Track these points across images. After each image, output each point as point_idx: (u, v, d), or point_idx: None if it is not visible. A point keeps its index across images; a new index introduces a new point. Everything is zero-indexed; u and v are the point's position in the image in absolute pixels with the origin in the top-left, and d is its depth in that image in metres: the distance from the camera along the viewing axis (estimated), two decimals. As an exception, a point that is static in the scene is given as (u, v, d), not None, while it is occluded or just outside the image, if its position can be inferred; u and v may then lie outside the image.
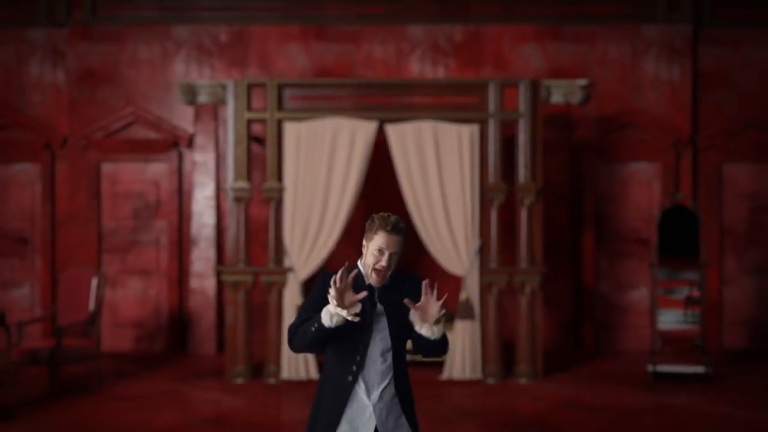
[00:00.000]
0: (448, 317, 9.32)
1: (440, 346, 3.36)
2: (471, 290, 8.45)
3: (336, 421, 3.35)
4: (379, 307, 3.37)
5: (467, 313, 8.41)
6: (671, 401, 7.61)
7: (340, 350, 3.37)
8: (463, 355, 8.44)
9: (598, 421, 6.95)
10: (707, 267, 9.94)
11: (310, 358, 8.40)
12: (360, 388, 3.36)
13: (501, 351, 8.52)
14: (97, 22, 10.31)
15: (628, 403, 7.53)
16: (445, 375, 8.46)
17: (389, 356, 3.39)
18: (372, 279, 3.36)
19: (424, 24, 10.32)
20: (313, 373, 8.37)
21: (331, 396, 3.37)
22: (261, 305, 8.93)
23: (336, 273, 3.22)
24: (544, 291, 9.47)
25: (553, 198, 10.10)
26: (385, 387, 3.38)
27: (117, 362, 9.37)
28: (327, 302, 3.26)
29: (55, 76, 10.46)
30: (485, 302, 8.49)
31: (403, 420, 3.41)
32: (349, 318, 3.20)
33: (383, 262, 3.31)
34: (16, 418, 7.01)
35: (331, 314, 3.22)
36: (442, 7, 10.32)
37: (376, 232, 3.33)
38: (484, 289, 8.49)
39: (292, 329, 3.39)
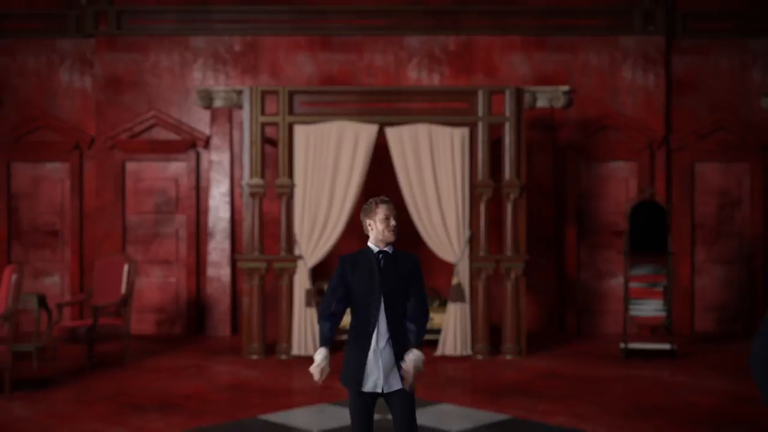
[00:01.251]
0: (441, 301, 10.31)
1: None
2: (462, 276, 9.41)
3: (361, 363, 4.26)
4: (383, 274, 4.29)
5: (458, 296, 9.38)
6: (638, 372, 8.59)
7: (361, 309, 4.28)
8: (455, 334, 9.40)
9: (572, 387, 7.92)
10: (679, 257, 10.98)
11: (318, 336, 9.36)
12: (376, 338, 4.27)
13: (489, 331, 9.49)
14: (121, 33, 11.28)
15: (600, 374, 8.51)
16: (439, 352, 9.42)
17: (390, 312, 4.32)
18: (388, 239, 4.27)
19: (420, 35, 11.29)
20: (321, 350, 9.33)
21: (356, 343, 4.27)
22: (273, 290, 9.91)
23: (350, 256, 4.33)
24: (531, 279, 10.46)
25: (539, 194, 11.07)
26: (389, 336, 4.32)
27: (142, 343, 10.33)
28: (343, 281, 4.26)
29: (83, 82, 11.43)
30: (474, 287, 9.46)
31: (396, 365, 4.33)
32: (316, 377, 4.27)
33: (393, 222, 4.28)
34: (60, 386, 7.96)
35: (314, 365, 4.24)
36: (437, 20, 11.29)
37: (377, 207, 4.29)
38: (474, 275, 9.46)
39: (322, 309, 4.37)
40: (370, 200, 4.37)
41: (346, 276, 4.31)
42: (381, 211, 4.28)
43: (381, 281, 4.28)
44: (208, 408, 7.14)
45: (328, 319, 4.31)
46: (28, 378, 8.13)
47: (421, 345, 4.31)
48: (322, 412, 6.98)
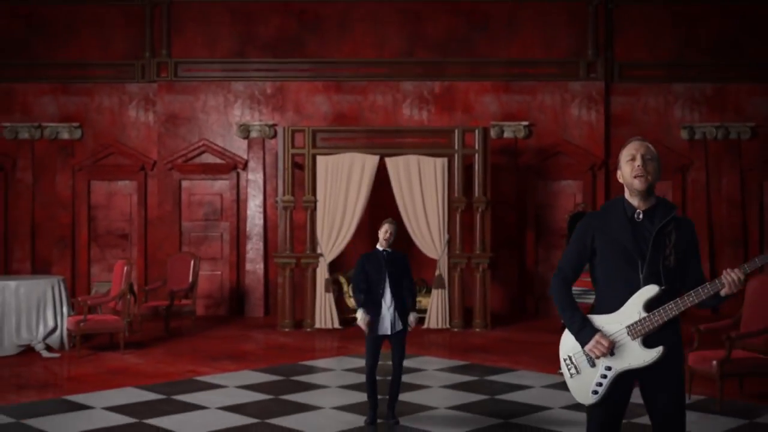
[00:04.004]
0: (427, 288, 13.38)
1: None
2: (442, 269, 12.51)
3: (375, 318, 7.18)
4: (387, 267, 7.26)
5: (440, 284, 12.46)
6: (570, 339, 11.66)
7: (374, 286, 7.11)
8: (437, 312, 12.49)
9: (518, 347, 11.01)
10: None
11: (334, 314, 12.45)
12: (385, 303, 7.19)
13: (463, 310, 12.58)
14: (178, 79, 14.39)
15: (541, 340, 11.61)
16: (425, 326, 12.51)
17: (392, 288, 7.24)
18: (382, 245, 7.08)
19: (413, 81, 14.40)
20: (337, 324, 12.43)
21: (371, 307, 7.15)
22: (300, 279, 13.00)
23: (366, 254, 7.21)
24: (498, 272, 13.53)
25: (505, 206, 14.17)
26: (392, 303, 7.25)
27: (196, 321, 13.41)
28: (364, 270, 7.16)
29: (147, 118, 14.54)
30: (452, 277, 12.55)
31: (399, 321, 7.29)
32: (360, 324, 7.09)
33: (387, 234, 7.09)
34: (152, 347, 11.04)
35: (359, 319, 7.08)
36: (426, 69, 14.41)
37: (382, 225, 7.18)
38: (451, 268, 12.55)
39: (354, 288, 7.20)
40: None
41: (365, 266, 7.14)
42: (383, 227, 7.15)
43: (386, 270, 7.11)
44: (262, 358, 10.24)
45: (361, 292, 7.08)
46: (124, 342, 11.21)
47: (414, 309, 7.16)
48: (341, 360, 10.08)
